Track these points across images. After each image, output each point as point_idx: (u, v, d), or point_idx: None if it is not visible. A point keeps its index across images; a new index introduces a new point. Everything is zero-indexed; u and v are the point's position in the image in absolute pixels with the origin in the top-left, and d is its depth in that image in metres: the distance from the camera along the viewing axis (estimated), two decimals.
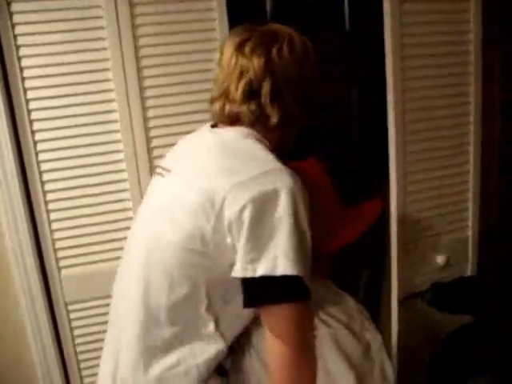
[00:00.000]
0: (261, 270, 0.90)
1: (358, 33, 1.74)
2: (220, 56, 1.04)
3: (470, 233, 1.83)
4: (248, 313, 1.01)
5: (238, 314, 1.01)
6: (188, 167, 1.02)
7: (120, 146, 1.54)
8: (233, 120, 1.01)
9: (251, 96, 0.98)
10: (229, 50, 1.01)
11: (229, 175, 0.93)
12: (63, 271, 1.59)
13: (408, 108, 1.66)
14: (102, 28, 1.46)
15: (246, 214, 0.89)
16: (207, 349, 1.00)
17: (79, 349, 1.64)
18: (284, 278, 0.89)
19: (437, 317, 1.75)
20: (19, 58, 1.45)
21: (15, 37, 1.44)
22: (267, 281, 0.90)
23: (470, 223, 1.83)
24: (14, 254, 1.57)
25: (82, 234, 1.57)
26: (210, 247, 0.94)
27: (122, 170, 1.56)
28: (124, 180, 1.56)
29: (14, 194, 1.53)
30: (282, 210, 0.89)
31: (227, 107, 1.01)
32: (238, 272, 0.92)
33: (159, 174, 1.09)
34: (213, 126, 1.08)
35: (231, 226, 0.91)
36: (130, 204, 1.57)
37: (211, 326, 1.00)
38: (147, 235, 1.02)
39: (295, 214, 0.90)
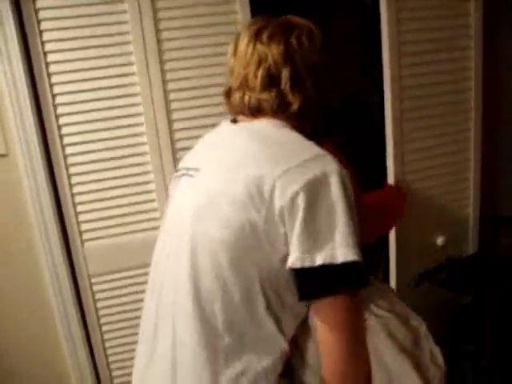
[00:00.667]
0: (320, 258, 0.87)
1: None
2: (234, 47, 1.03)
3: (470, 210, 1.87)
4: (303, 307, 0.97)
5: (292, 308, 0.97)
6: (224, 161, 0.97)
7: (141, 119, 1.59)
8: (254, 110, 1.00)
9: (271, 83, 0.98)
10: (245, 38, 1.00)
11: (274, 163, 0.90)
12: (86, 244, 1.65)
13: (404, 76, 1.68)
14: (124, 12, 1.51)
15: (300, 202, 0.87)
16: (271, 350, 0.96)
17: (102, 320, 1.69)
18: (343, 266, 0.86)
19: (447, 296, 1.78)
20: (43, 43, 1.50)
21: (39, 22, 1.49)
22: (325, 270, 0.87)
23: (470, 202, 1.87)
24: (38, 227, 1.62)
25: (104, 207, 1.63)
26: (262, 240, 0.90)
27: (143, 143, 1.61)
28: (146, 153, 1.61)
29: (38, 170, 1.58)
30: (335, 195, 0.87)
31: (247, 96, 1.00)
32: (295, 262, 0.88)
33: (185, 174, 1.04)
34: (233, 122, 1.06)
35: (283, 214, 0.88)
36: (151, 176, 1.63)
37: (272, 326, 0.95)
38: (190, 239, 0.95)
39: (347, 198, 0.88)
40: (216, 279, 0.92)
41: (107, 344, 1.71)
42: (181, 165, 1.11)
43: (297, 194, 0.87)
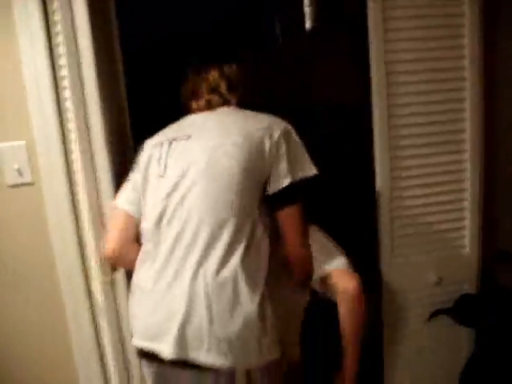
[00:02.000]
0: (300, 174, 1.39)
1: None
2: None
3: (467, 250, 1.86)
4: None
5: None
6: (215, 127, 1.46)
7: None
8: (207, 107, 1.55)
9: (213, 91, 1.55)
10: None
11: (257, 122, 1.44)
12: None
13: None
14: None
15: (282, 142, 1.39)
16: (262, 248, 1.39)
17: None
18: (307, 180, 1.39)
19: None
20: None
21: None
22: (298, 185, 1.39)
23: (467, 241, 1.86)
24: (59, 256, 1.75)
25: None
26: (265, 164, 1.38)
27: None
28: None
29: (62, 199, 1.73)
30: (297, 139, 1.42)
31: (202, 99, 1.56)
32: (289, 178, 1.38)
33: (174, 140, 1.46)
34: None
35: (271, 151, 1.38)
36: None
37: (261, 230, 1.39)
38: (205, 173, 1.37)
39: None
40: (230, 193, 1.36)
41: None
42: (157, 139, 1.51)
43: (279, 138, 1.40)
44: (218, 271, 1.33)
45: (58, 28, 1.62)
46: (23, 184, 1.72)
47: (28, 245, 1.76)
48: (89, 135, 1.66)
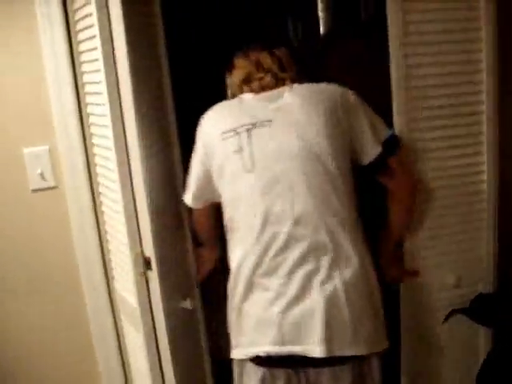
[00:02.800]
0: (384, 134, 1.52)
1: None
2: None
3: (484, 251, 1.85)
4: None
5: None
6: (290, 109, 1.44)
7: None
8: (261, 88, 1.52)
9: (266, 72, 1.53)
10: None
11: (327, 92, 1.49)
12: None
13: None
14: None
15: (360, 107, 1.51)
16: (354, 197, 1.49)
17: None
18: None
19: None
20: None
21: None
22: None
23: (484, 242, 1.84)
24: (82, 260, 1.78)
25: None
26: (348, 133, 1.45)
27: None
28: None
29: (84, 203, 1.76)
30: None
31: (256, 82, 1.54)
32: (379, 145, 1.50)
33: (252, 128, 1.43)
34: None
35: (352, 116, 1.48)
36: None
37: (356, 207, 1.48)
38: (300, 156, 1.38)
39: None
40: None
41: None
42: (225, 125, 1.47)
43: (355, 102, 1.49)
44: (348, 267, 1.38)
45: (80, 36, 1.65)
46: (47, 188, 1.76)
47: (51, 248, 1.80)
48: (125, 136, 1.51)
